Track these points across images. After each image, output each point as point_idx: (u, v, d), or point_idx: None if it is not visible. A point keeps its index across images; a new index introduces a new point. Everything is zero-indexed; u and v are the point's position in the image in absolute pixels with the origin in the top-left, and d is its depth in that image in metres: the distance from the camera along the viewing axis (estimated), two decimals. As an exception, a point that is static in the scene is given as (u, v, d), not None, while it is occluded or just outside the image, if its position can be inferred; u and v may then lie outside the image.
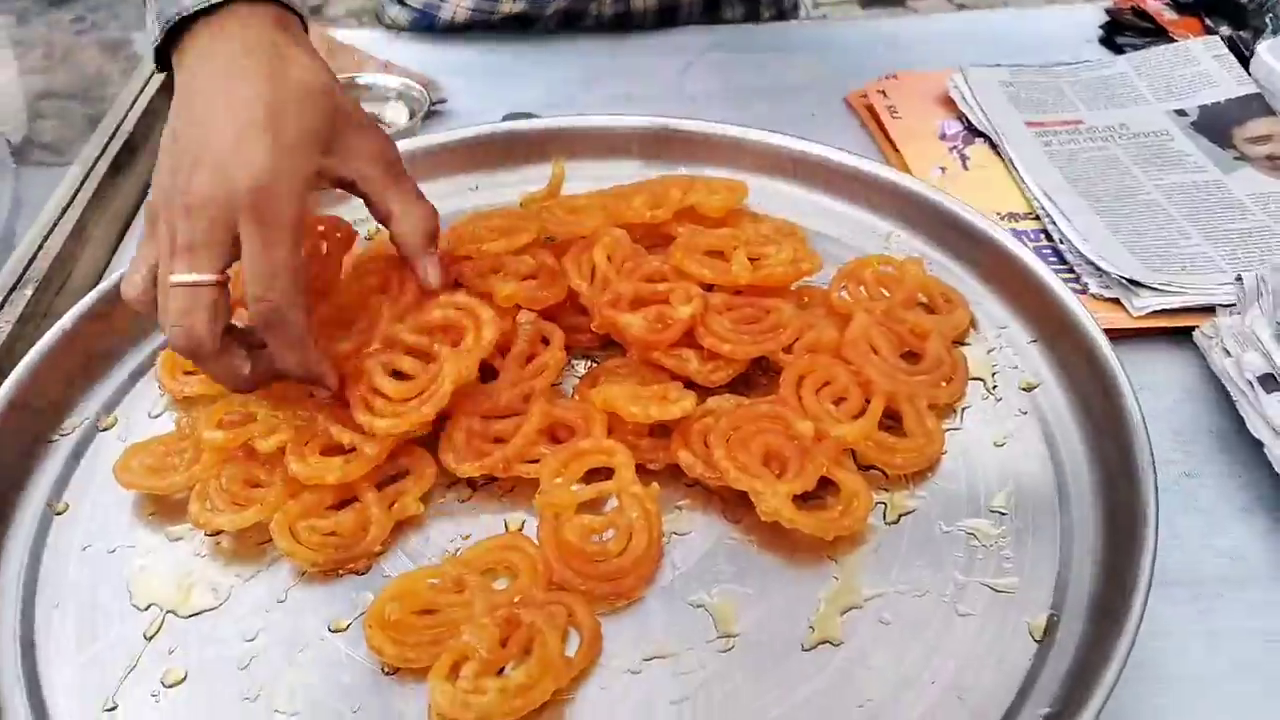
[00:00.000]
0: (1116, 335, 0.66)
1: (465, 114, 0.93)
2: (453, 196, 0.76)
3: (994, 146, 0.85)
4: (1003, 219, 0.77)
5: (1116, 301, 0.68)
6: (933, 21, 1.09)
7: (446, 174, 0.77)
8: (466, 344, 0.57)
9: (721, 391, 0.59)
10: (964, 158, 0.84)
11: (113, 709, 0.48)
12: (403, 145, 0.74)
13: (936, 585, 0.50)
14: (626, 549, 0.52)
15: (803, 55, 1.04)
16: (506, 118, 0.87)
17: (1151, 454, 0.50)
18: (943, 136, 0.87)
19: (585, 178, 0.76)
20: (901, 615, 0.49)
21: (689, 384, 0.58)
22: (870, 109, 0.92)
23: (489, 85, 0.99)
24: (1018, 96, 0.89)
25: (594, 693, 0.47)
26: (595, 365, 0.63)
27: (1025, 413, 0.58)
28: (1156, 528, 0.47)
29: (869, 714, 0.46)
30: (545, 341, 0.61)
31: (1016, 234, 0.74)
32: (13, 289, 0.63)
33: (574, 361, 0.63)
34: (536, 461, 0.55)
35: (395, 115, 0.88)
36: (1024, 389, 0.59)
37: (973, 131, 0.87)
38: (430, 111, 0.91)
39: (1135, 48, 0.96)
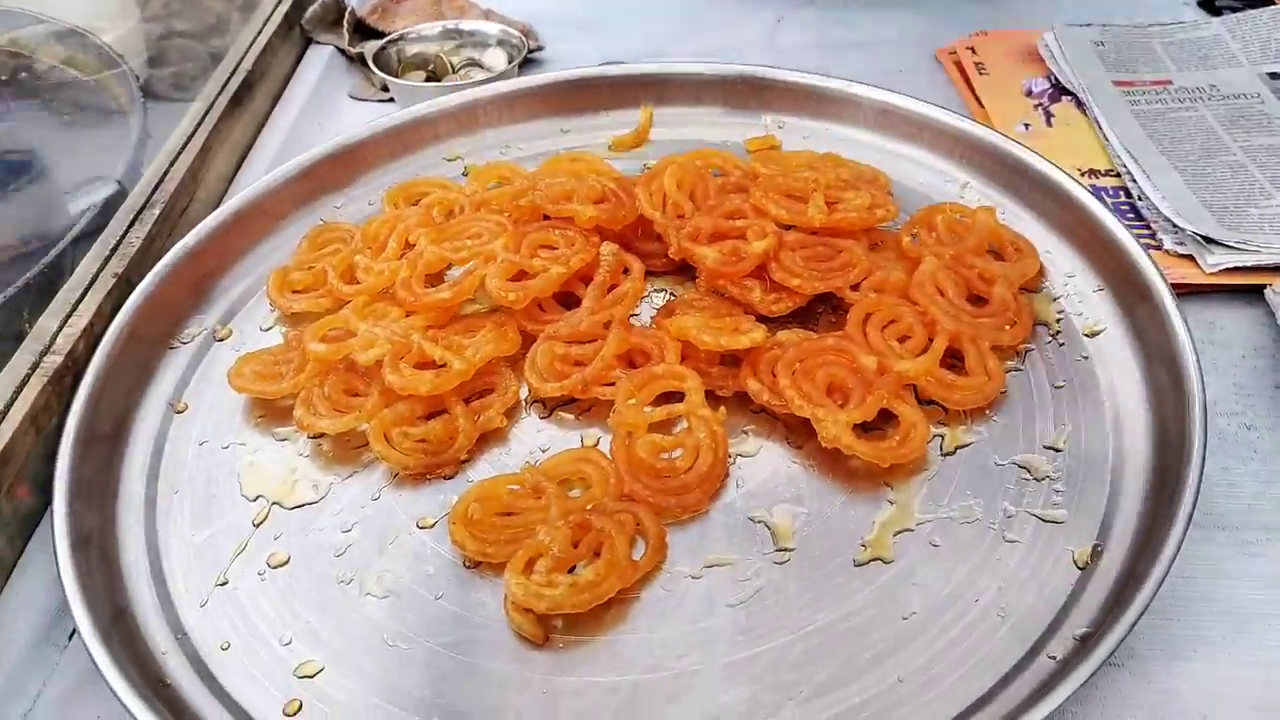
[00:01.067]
0: (1190, 290, 0.67)
1: (562, 62, 0.96)
2: (545, 138, 0.80)
3: (1080, 105, 0.85)
4: (1083, 175, 0.78)
5: (1191, 258, 0.69)
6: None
7: (541, 116, 0.80)
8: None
9: (791, 326, 0.61)
10: (1049, 115, 0.85)
11: (224, 584, 0.53)
12: (499, 87, 0.78)
13: (987, 514, 0.53)
14: (693, 466, 0.55)
15: (895, 11, 1.04)
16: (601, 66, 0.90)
17: (1204, 401, 0.51)
18: (1029, 93, 0.88)
19: (671, 122, 0.80)
20: (951, 539, 0.52)
21: (759, 318, 0.61)
22: (959, 65, 0.93)
23: (586, 36, 1.02)
24: (1107, 55, 0.89)
25: (658, 593, 0.51)
26: (673, 297, 0.66)
27: (1087, 357, 0.59)
28: (1201, 467, 0.49)
29: (913, 625, 0.48)
30: (626, 271, 0.65)
31: (1095, 190, 0.76)
32: (141, 209, 0.69)
33: (652, 293, 0.67)
34: (613, 384, 0.59)
35: (494, 60, 0.92)
36: (1087, 335, 0.60)
37: (1059, 89, 0.87)
38: (528, 59, 0.95)
39: (1234, 9, 0.95)
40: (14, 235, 0.75)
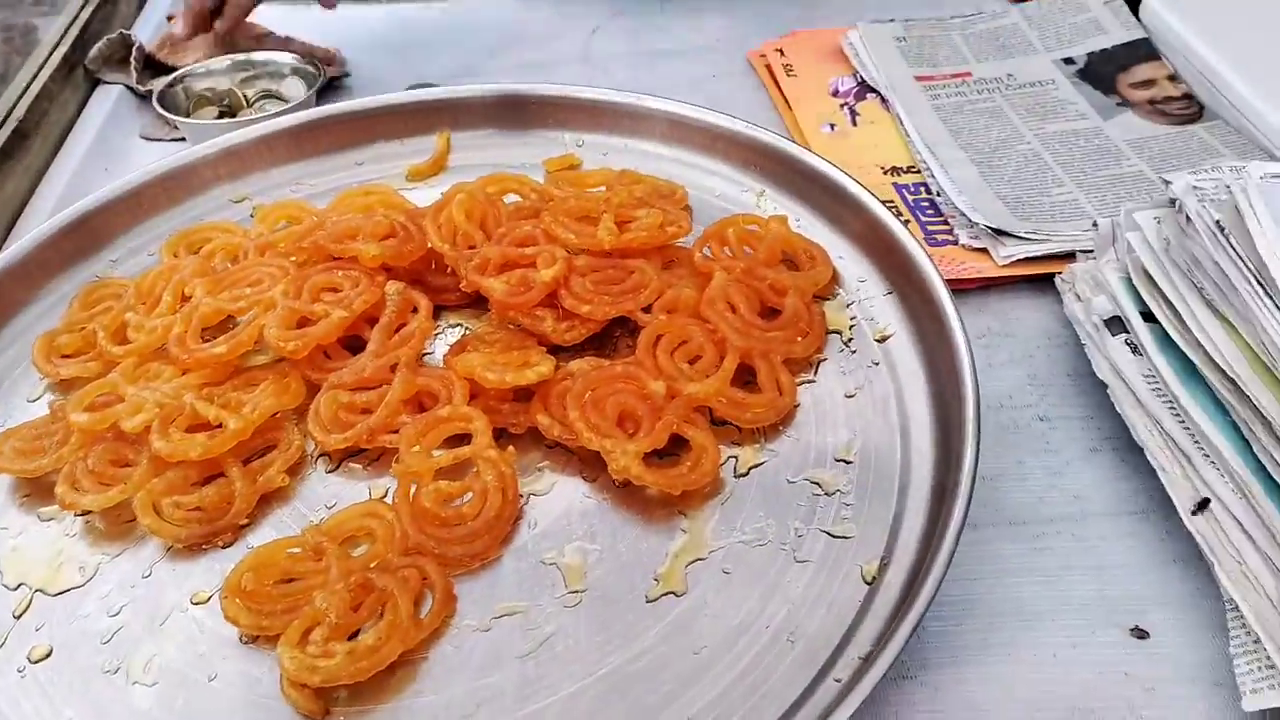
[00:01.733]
0: (986, 284, 0.68)
1: (371, 87, 0.93)
2: (338, 172, 0.77)
3: (884, 102, 0.86)
4: (886, 172, 0.78)
5: (985, 251, 0.69)
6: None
7: (333, 149, 0.77)
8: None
9: (585, 355, 0.60)
10: (854, 114, 0.85)
11: (-21, 686, 0.49)
12: (284, 121, 0.75)
13: (778, 535, 0.52)
14: (481, 512, 0.53)
15: (708, 16, 1.04)
16: (410, 89, 0.88)
17: (978, 398, 0.51)
18: (835, 93, 0.88)
19: (471, 146, 0.78)
20: (743, 564, 0.51)
21: (553, 349, 0.60)
22: (768, 67, 0.93)
23: (398, 58, 0.99)
24: (909, 51, 0.90)
25: (446, 651, 0.49)
26: (467, 332, 0.64)
27: (877, 364, 0.59)
28: (974, 468, 0.48)
29: (704, 660, 0.47)
30: (414, 310, 0.62)
31: (898, 187, 0.76)
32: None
33: (446, 329, 0.65)
34: (399, 431, 0.57)
35: (292, 90, 0.88)
36: (878, 340, 0.60)
37: (865, 88, 0.88)
38: (333, 85, 0.92)
39: (1032, -4, 0.97)
40: None
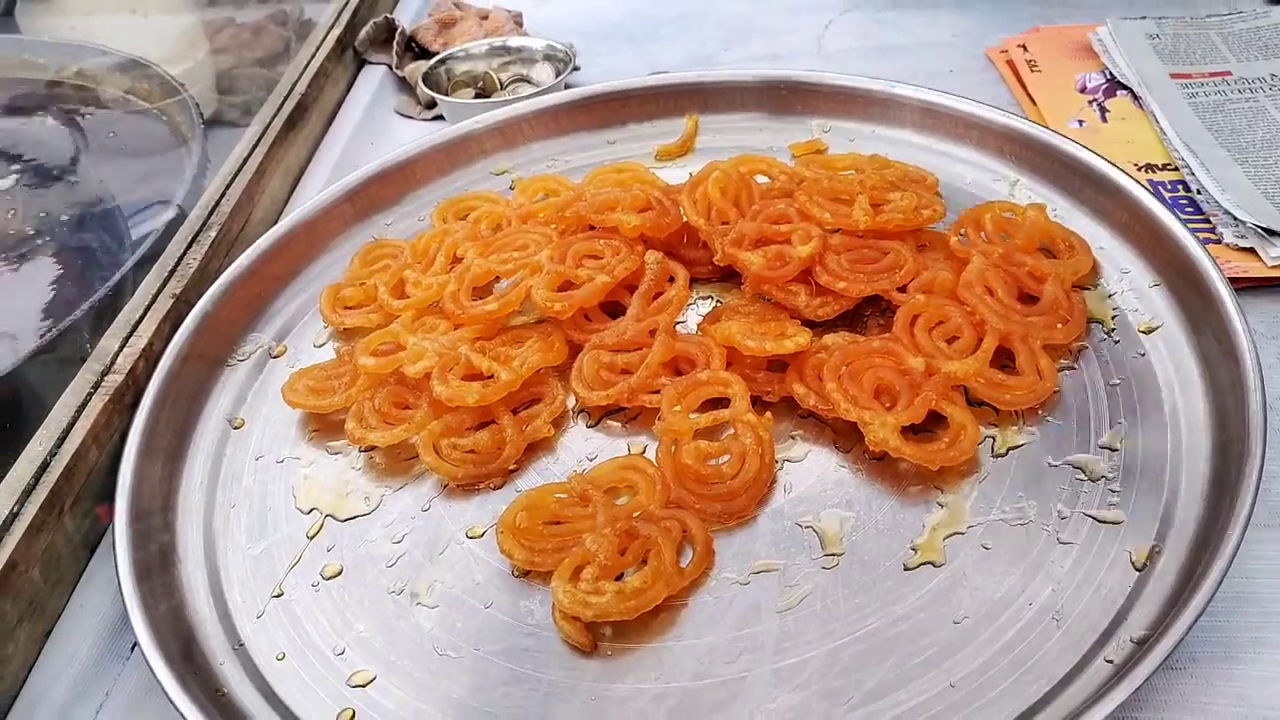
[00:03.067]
0: (1251, 284, 0.65)
1: (611, 74, 0.97)
2: (591, 150, 0.80)
3: (1136, 99, 0.83)
4: (1140, 170, 0.76)
5: (1252, 251, 0.67)
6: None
7: (586, 129, 0.81)
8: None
9: (838, 329, 0.61)
10: (1104, 110, 0.83)
11: (279, 595, 0.54)
12: (544, 101, 0.79)
13: (1040, 516, 0.51)
14: (739, 472, 0.55)
15: (944, 11, 1.03)
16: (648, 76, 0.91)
17: (1264, 394, 0.50)
18: (1082, 89, 0.86)
19: (716, 130, 0.80)
20: (1003, 541, 0.51)
21: (804, 321, 0.61)
22: (1010, 63, 0.92)
23: (634, 48, 1.02)
24: (1163, 48, 0.87)
25: (705, 600, 0.51)
26: (719, 303, 0.66)
27: (1143, 354, 0.58)
28: (1261, 464, 0.47)
29: (965, 629, 0.48)
30: (671, 279, 0.65)
31: (1154, 185, 0.74)
32: (198, 232, 0.71)
33: (698, 300, 0.67)
34: (658, 392, 0.59)
35: (541, 75, 0.93)
36: (1143, 331, 0.59)
37: (1114, 84, 0.86)
38: (574, 71, 0.96)
39: (1296, -4, 0.92)
40: (79, 260, 0.77)
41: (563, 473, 0.58)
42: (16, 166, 0.95)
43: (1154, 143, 0.79)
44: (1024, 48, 0.92)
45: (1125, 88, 0.85)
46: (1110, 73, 0.87)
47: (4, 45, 1.13)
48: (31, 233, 0.82)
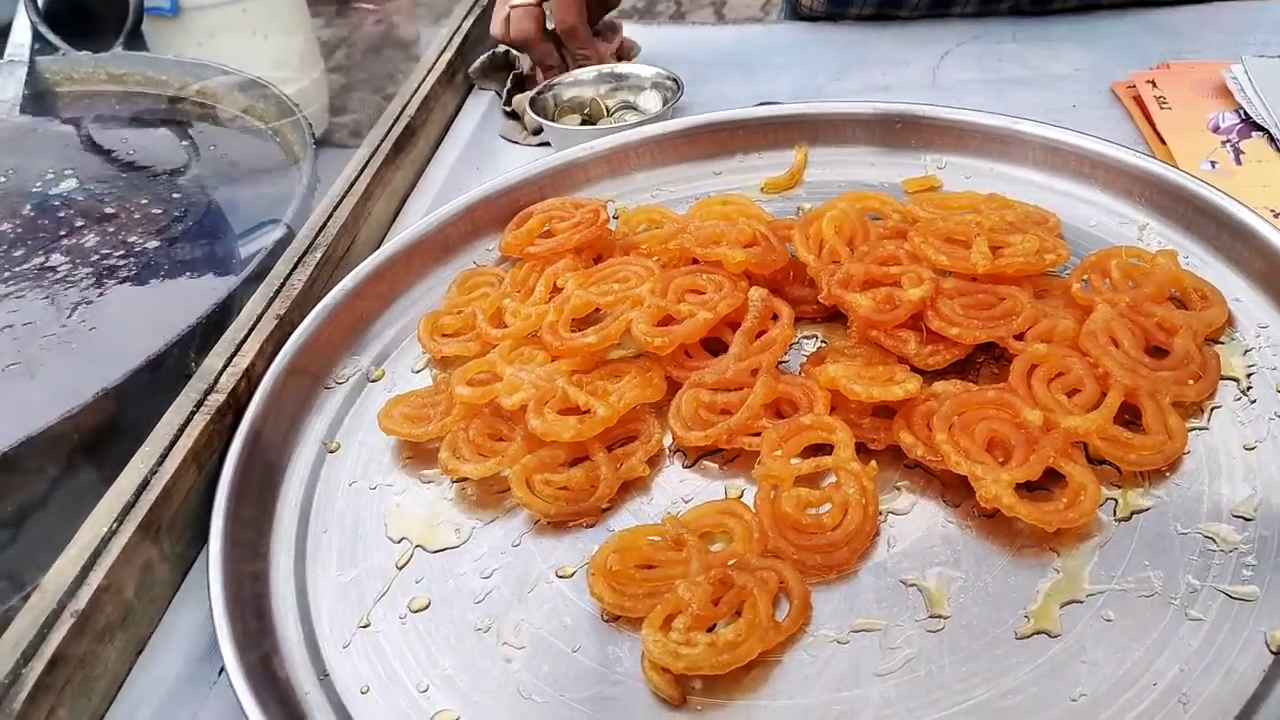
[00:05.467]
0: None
1: (715, 103, 0.95)
2: (696, 180, 0.79)
3: (1273, 141, 0.79)
4: (1276, 215, 0.72)
5: (1405, 307, 0.62)
6: (1213, 11, 1.02)
7: (692, 159, 0.80)
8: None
9: (949, 377, 0.58)
10: (1238, 152, 0.79)
11: (366, 625, 0.53)
12: (650, 130, 0.78)
13: (1167, 587, 0.48)
14: (841, 523, 0.52)
15: (1069, 45, 1.00)
16: (758, 106, 0.89)
17: None
18: (1215, 129, 0.82)
19: (826, 163, 0.78)
20: (1126, 613, 0.47)
21: (913, 368, 0.58)
22: (1138, 99, 0.88)
23: (743, 77, 1.01)
24: (1305, 87, 0.82)
25: (801, 657, 0.49)
26: (823, 345, 0.64)
27: (1282, 416, 0.54)
28: None
29: (1082, 708, 0.44)
30: (775, 317, 0.63)
31: (1293, 232, 0.70)
32: (305, 252, 0.71)
33: (802, 339, 0.65)
34: (759, 434, 0.57)
35: (648, 103, 0.92)
36: (1282, 392, 0.55)
37: (1250, 125, 0.81)
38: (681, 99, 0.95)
39: None
40: (190, 279, 0.79)
41: (656, 514, 0.56)
42: (135, 179, 0.98)
43: (1294, 187, 0.74)
44: (1153, 84, 0.88)
45: (1262, 129, 0.80)
46: (1245, 112, 0.82)
47: (131, 62, 1.17)
48: (145, 247, 0.84)
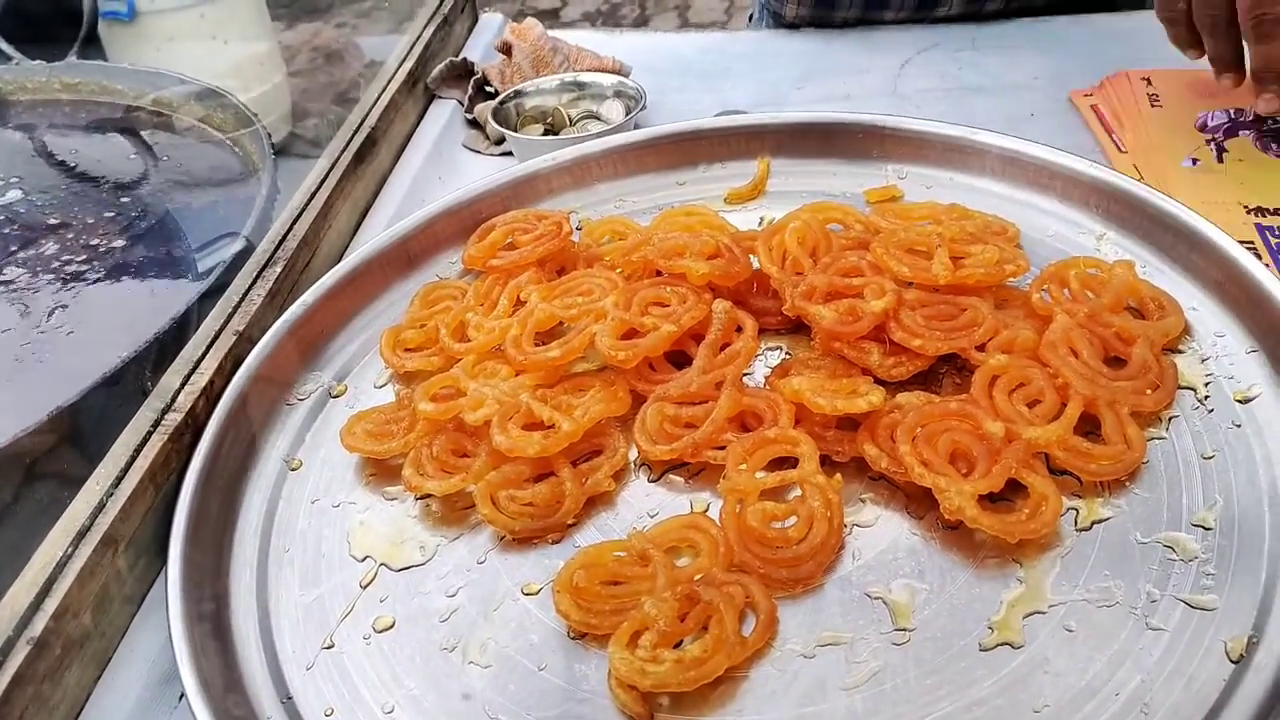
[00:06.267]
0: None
1: (678, 112, 0.96)
2: (660, 191, 0.79)
3: (1260, 139, 0.80)
4: (1250, 212, 0.73)
5: (1359, 313, 0.63)
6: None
7: (656, 169, 0.80)
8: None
9: (912, 389, 0.58)
10: (1221, 149, 0.80)
11: (330, 646, 0.53)
12: (614, 140, 0.78)
13: (1128, 597, 0.49)
14: (806, 536, 0.53)
15: (1025, 54, 1.01)
16: (719, 115, 0.89)
17: (1376, 475, 0.47)
18: (1202, 127, 0.83)
19: (788, 173, 0.78)
20: (1087, 624, 0.48)
21: (876, 380, 0.59)
22: (1095, 108, 0.89)
23: (704, 85, 1.01)
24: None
25: (768, 672, 0.49)
26: (788, 356, 0.64)
27: (1239, 425, 0.55)
28: (1376, 552, 0.44)
29: (1045, 719, 0.45)
30: (739, 330, 0.63)
31: (1260, 229, 0.71)
32: (264, 266, 0.70)
33: (766, 351, 0.65)
34: (724, 448, 0.57)
35: (611, 112, 0.92)
36: (1239, 401, 0.56)
37: (1237, 124, 0.82)
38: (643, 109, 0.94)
39: None
40: (146, 293, 0.77)
41: (622, 529, 0.56)
42: (89, 190, 0.96)
43: (1273, 186, 0.75)
44: (1148, 80, 0.89)
45: (1248, 127, 0.82)
46: (1233, 113, 0.83)
47: (86, 71, 1.15)
48: (99, 261, 0.82)
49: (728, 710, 0.48)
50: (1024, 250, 0.66)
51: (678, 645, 0.49)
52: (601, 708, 0.48)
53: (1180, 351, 0.59)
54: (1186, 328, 0.60)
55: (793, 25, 1.09)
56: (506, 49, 0.98)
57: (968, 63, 1.01)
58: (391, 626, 0.53)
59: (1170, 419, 0.56)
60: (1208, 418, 0.56)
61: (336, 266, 0.71)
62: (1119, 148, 0.83)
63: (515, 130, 0.90)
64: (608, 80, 0.92)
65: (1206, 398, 0.57)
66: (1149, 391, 0.56)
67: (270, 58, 1.15)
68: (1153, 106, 0.85)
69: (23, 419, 0.60)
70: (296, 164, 0.95)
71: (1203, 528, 0.51)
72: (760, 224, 0.74)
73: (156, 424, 0.59)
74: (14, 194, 0.95)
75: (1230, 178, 0.77)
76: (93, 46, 1.20)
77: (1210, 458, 0.54)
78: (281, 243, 0.73)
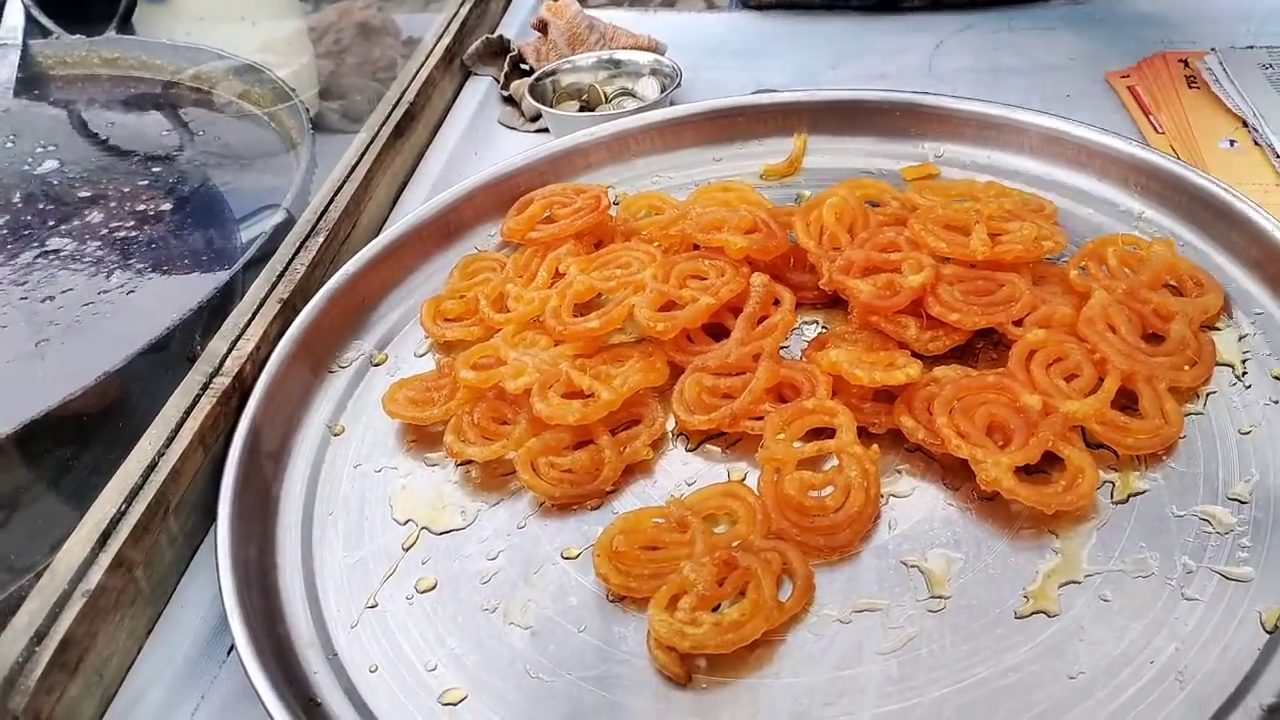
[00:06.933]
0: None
1: (712, 90, 0.96)
2: (697, 167, 0.79)
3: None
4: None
5: (1396, 294, 0.63)
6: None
7: (692, 145, 0.80)
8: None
9: (949, 362, 0.59)
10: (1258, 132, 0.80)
11: (374, 606, 0.54)
12: (651, 117, 0.78)
13: (1163, 568, 0.49)
14: (843, 505, 0.53)
15: (1062, 34, 1.00)
16: (754, 94, 0.89)
17: None
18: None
19: (825, 150, 0.78)
20: (1123, 594, 0.48)
21: (913, 353, 0.59)
22: (1132, 90, 0.88)
23: (740, 64, 1.01)
24: (1278, 78, 0.83)
25: (804, 637, 0.49)
26: (824, 330, 0.65)
27: (1276, 402, 0.55)
28: None
29: (1081, 685, 0.45)
30: (776, 303, 0.63)
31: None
32: (306, 236, 0.71)
33: (803, 325, 0.65)
34: (761, 418, 0.58)
35: (647, 90, 0.92)
36: (1277, 377, 0.56)
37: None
38: (678, 87, 0.95)
39: None
40: (191, 260, 0.79)
41: (660, 496, 0.57)
42: (130, 164, 0.97)
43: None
44: (1184, 63, 0.89)
45: None
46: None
47: (125, 46, 1.16)
48: (145, 231, 0.84)
49: (764, 672, 0.48)
50: (1062, 227, 0.66)
51: (716, 609, 0.50)
52: (640, 669, 0.49)
53: (1218, 329, 0.60)
54: (1225, 305, 0.60)
55: (758, 8, 1.09)
56: (542, 26, 0.98)
57: (1004, 44, 1.00)
58: (434, 588, 0.54)
59: (1208, 395, 0.56)
60: (1245, 394, 0.56)
61: (377, 238, 0.72)
62: (1156, 129, 0.83)
63: (551, 106, 0.90)
64: (644, 58, 0.93)
65: (1244, 374, 0.57)
66: (1187, 367, 0.56)
67: (298, 38, 1.16)
68: (1190, 88, 0.85)
69: (76, 382, 0.61)
70: (332, 139, 0.96)
71: (1239, 501, 0.51)
72: (796, 200, 0.74)
73: (205, 387, 0.60)
74: (52, 164, 0.96)
75: (1267, 160, 0.76)
76: (127, 28, 1.22)
77: (1247, 433, 0.54)
78: (323, 214, 0.74)
